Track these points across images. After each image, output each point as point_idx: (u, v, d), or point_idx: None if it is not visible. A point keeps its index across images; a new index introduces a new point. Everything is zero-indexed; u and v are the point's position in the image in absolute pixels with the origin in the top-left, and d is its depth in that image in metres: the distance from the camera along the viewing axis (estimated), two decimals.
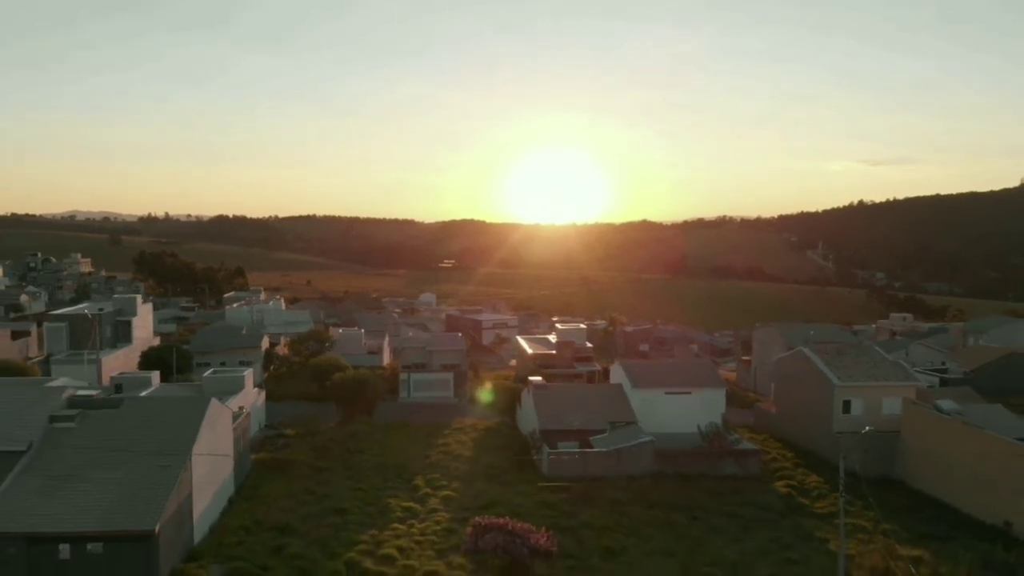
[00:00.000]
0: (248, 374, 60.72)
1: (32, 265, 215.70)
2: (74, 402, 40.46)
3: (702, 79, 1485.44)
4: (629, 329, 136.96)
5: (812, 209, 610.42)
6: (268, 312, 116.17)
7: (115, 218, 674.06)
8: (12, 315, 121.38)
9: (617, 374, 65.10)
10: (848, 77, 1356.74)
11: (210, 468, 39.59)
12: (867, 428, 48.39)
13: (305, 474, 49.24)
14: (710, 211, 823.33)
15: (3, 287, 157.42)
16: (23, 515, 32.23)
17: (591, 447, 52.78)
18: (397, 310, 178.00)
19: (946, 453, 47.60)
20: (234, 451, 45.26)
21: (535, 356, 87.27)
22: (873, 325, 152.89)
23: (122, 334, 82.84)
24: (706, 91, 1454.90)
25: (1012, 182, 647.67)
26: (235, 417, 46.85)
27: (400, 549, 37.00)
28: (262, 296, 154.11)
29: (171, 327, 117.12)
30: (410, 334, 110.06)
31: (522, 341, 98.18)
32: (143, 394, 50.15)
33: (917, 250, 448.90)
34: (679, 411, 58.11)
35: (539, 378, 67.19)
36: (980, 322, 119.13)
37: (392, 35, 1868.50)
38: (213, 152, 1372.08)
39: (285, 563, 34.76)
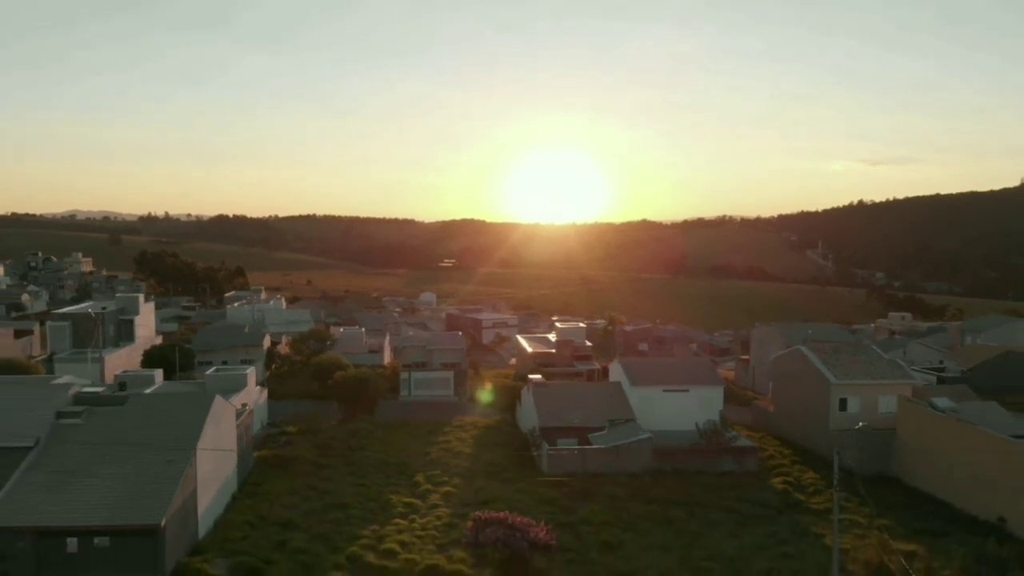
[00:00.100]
0: (250, 372, 61.15)
1: (33, 264, 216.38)
2: (80, 399, 41.05)
3: (702, 79, 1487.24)
4: (628, 328, 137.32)
5: (812, 209, 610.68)
6: (269, 311, 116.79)
7: (115, 218, 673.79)
8: (14, 314, 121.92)
9: (616, 372, 65.58)
10: (848, 77, 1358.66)
11: (214, 464, 40.07)
12: (860, 424, 48.89)
13: (307, 471, 49.71)
14: (710, 211, 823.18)
15: (4, 286, 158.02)
16: (31, 510, 32.79)
17: (590, 444, 53.31)
18: (397, 309, 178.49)
19: (941, 450, 48.07)
20: (237, 447, 45.74)
21: (535, 355, 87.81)
22: (872, 324, 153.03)
23: (125, 333, 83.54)
24: (706, 91, 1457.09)
25: (1012, 182, 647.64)
26: (238, 414, 47.32)
27: (402, 543, 37.55)
28: (263, 295, 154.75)
29: (173, 326, 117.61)
30: (410, 333, 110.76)
31: (522, 340, 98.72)
32: (147, 391, 50.67)
33: (917, 250, 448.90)
34: (677, 409, 58.61)
35: (539, 376, 67.79)
36: (978, 321, 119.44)
37: (392, 35, 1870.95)
38: (213, 152, 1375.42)
39: (289, 557, 35.32)
